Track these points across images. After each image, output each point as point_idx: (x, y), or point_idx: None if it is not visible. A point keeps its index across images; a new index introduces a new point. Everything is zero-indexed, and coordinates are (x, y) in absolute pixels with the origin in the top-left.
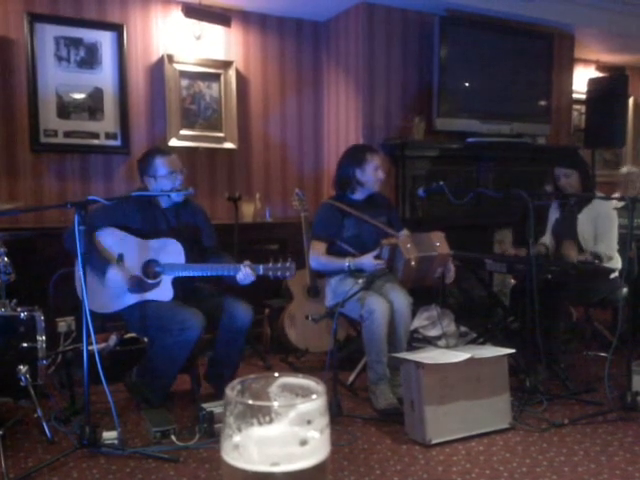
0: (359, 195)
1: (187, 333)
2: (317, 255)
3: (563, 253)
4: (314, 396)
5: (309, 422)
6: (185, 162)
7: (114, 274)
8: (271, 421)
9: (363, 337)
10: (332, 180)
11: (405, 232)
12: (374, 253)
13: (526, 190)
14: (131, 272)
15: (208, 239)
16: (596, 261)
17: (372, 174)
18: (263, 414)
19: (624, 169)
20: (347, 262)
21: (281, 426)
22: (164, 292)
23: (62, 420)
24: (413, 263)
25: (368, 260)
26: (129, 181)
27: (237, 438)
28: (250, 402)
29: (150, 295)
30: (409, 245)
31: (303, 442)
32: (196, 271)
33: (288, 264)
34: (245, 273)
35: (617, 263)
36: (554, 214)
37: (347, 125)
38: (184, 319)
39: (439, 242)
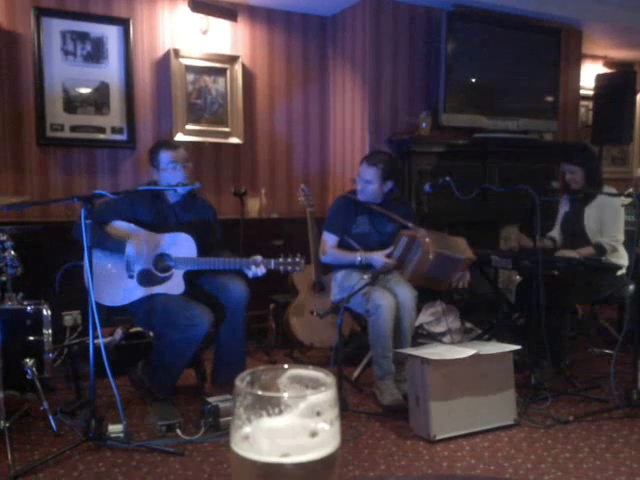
0: None
1: (195, 329)
2: (329, 248)
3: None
4: (323, 388)
5: (319, 414)
6: (191, 157)
7: (134, 245)
8: (280, 412)
9: (369, 332)
10: None
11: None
12: (387, 251)
13: (533, 186)
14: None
15: (213, 235)
16: (601, 257)
17: (359, 183)
18: (272, 405)
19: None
20: (359, 256)
21: (291, 417)
22: (175, 286)
23: (68, 413)
24: (431, 257)
25: (378, 257)
26: (135, 175)
27: (247, 429)
28: (260, 393)
29: (160, 288)
30: (428, 239)
31: (313, 433)
32: (208, 265)
33: (298, 259)
34: (257, 267)
35: (624, 260)
36: (564, 208)
37: (353, 120)
38: (192, 315)
39: (464, 247)
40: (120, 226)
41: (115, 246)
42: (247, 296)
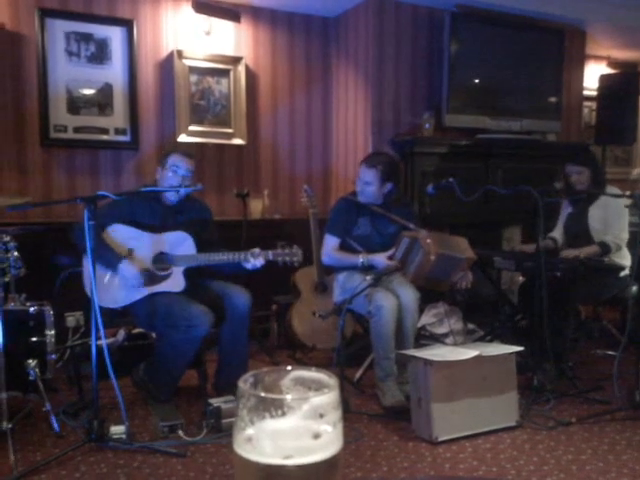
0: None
1: (195, 330)
2: (330, 250)
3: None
4: (326, 390)
5: (322, 416)
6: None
7: (126, 268)
8: (284, 414)
9: (371, 333)
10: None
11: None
12: (389, 253)
13: (536, 187)
14: (143, 264)
15: (211, 234)
16: (605, 256)
17: (358, 185)
18: (276, 407)
19: (634, 171)
20: (361, 258)
21: (294, 419)
22: (176, 283)
23: (70, 414)
24: (433, 257)
25: (380, 259)
26: (138, 176)
27: (250, 431)
28: (263, 395)
29: (161, 287)
30: (429, 240)
31: (316, 435)
32: (207, 261)
33: (294, 250)
34: (255, 259)
35: (627, 260)
36: (567, 209)
37: (356, 121)
38: (192, 316)
39: (465, 247)
40: (119, 231)
41: (109, 259)
42: (250, 306)
